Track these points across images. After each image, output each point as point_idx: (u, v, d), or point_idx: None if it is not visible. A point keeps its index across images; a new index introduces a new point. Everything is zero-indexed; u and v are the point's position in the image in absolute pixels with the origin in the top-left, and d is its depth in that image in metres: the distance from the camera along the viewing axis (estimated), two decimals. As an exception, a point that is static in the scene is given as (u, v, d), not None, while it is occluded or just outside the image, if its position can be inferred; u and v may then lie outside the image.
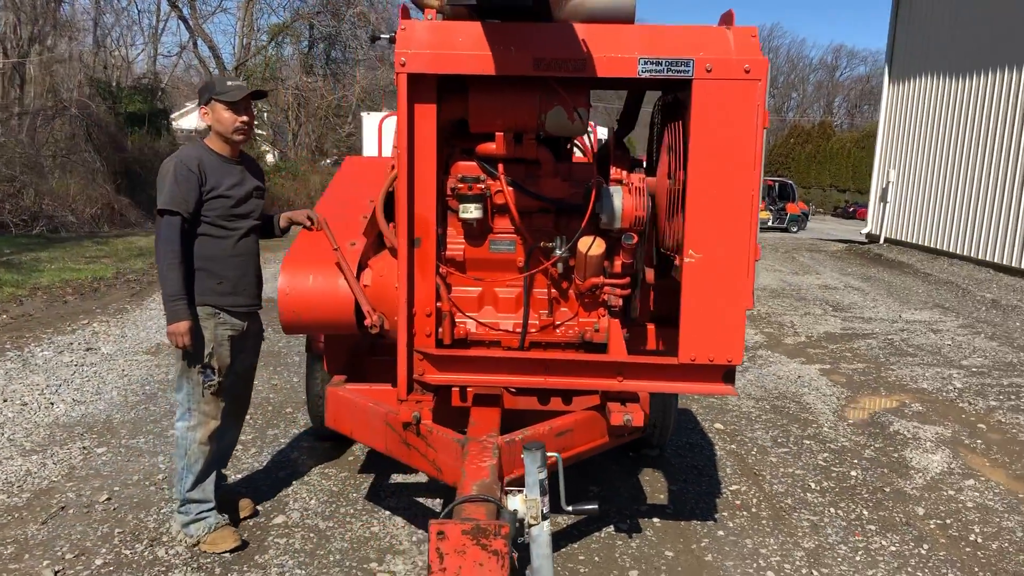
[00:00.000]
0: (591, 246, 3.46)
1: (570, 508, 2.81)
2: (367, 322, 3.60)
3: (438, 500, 4.45)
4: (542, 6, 3.59)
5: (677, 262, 3.46)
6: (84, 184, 19.55)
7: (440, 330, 3.57)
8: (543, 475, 2.72)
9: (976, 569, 3.96)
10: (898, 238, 18.46)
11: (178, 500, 3.85)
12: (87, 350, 7.39)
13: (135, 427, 5.44)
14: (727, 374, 3.48)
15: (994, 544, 4.23)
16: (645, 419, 3.47)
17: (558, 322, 3.69)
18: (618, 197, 3.44)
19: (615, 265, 3.58)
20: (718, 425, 5.88)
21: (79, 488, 4.47)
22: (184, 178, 3.61)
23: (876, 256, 17.49)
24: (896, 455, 5.42)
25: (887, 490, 4.85)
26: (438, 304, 3.52)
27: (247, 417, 5.27)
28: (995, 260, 14.56)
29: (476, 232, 3.64)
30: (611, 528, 4.18)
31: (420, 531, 4.08)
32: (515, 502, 2.70)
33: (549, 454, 2.76)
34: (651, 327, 3.96)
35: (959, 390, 7.05)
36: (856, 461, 5.28)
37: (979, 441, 5.76)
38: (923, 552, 4.10)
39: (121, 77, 29.28)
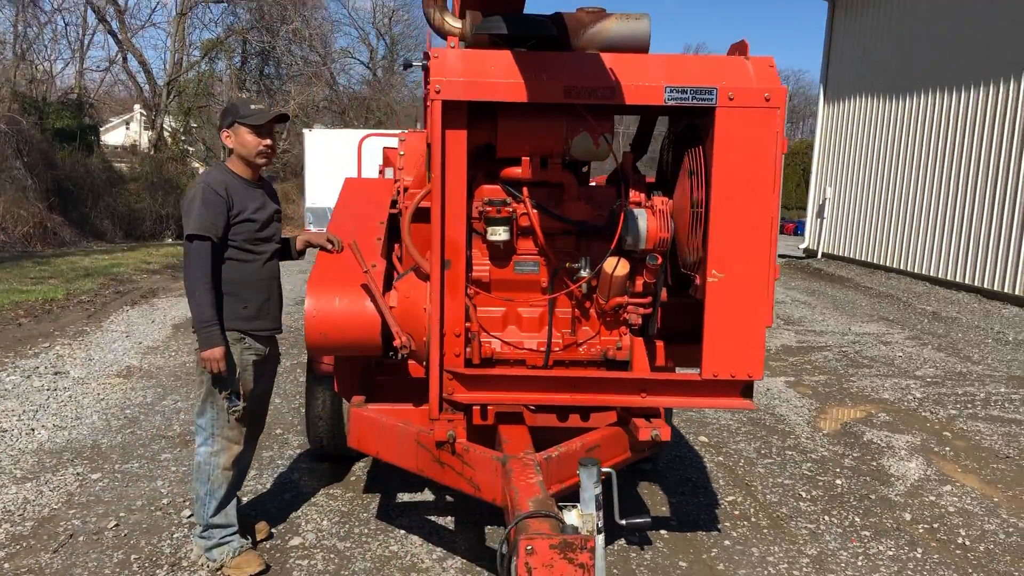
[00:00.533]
0: (616, 267, 3.58)
1: (624, 522, 2.90)
2: (396, 343, 3.65)
3: (449, 518, 4.50)
4: (563, 36, 3.73)
5: (697, 281, 3.60)
6: (14, 202, 19.02)
7: (468, 350, 3.64)
8: (598, 490, 2.82)
9: (970, 570, 4.17)
10: (835, 253, 19.07)
11: (200, 525, 3.83)
12: (56, 374, 7.23)
13: (125, 452, 5.36)
14: (745, 389, 3.63)
15: (981, 546, 4.45)
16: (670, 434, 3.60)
17: (581, 341, 3.79)
18: (643, 219, 3.57)
19: (636, 284, 3.71)
20: (702, 438, 6.05)
21: (83, 515, 4.41)
22: (212, 202, 3.63)
23: (816, 271, 18.04)
24: (875, 463, 5.65)
25: (873, 497, 5.06)
26: (466, 324, 3.59)
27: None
28: (930, 273, 15.16)
29: (501, 254, 3.72)
30: (622, 541, 4.28)
31: (439, 549, 4.13)
32: (571, 517, 2.78)
33: (603, 469, 2.85)
34: (659, 343, 4.09)
35: (919, 400, 7.36)
36: (839, 470, 5.49)
37: (947, 448, 6.04)
38: (918, 556, 4.30)
39: (47, 92, 28.51)
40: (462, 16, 3.85)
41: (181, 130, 31.67)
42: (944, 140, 15.02)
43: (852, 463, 5.65)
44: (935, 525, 4.70)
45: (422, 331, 3.70)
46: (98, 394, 6.65)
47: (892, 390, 7.69)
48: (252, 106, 3.78)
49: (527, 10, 4.05)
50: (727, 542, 4.35)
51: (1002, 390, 7.83)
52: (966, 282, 14.13)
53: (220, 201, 3.65)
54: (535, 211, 3.66)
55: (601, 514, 2.83)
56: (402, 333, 3.67)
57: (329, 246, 3.98)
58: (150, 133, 32.19)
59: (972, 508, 4.96)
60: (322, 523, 4.39)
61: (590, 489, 2.81)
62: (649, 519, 2.98)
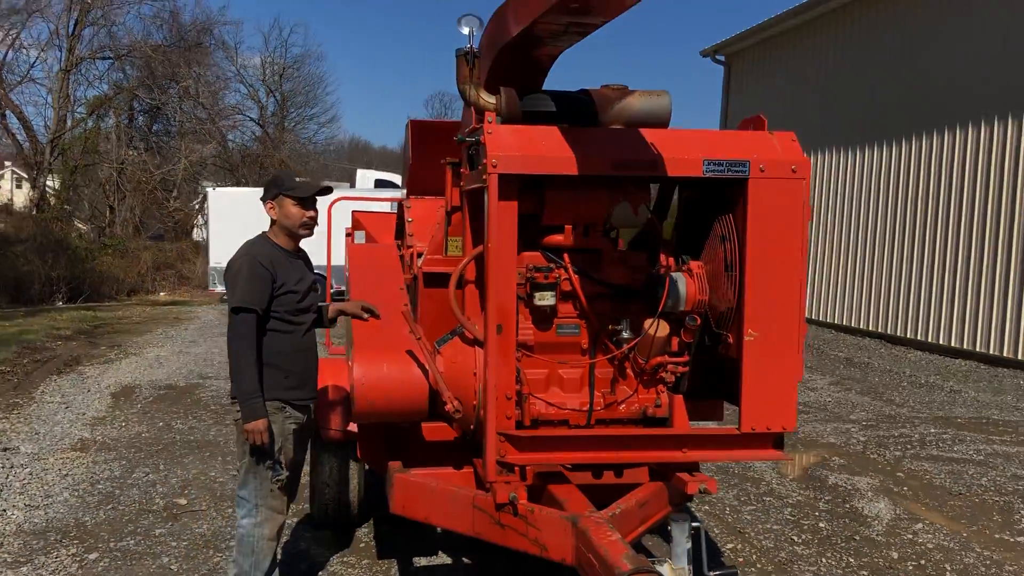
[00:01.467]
0: (658, 328, 3.77)
1: (712, 574, 3.05)
2: (448, 408, 3.73)
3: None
4: (593, 112, 3.97)
5: (730, 340, 3.83)
6: None
7: (518, 412, 3.75)
8: (689, 544, 2.97)
9: (967, 602, 4.48)
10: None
11: (244, 599, 3.78)
12: (4, 450, 6.89)
13: (114, 530, 5.19)
14: (777, 440, 3.86)
15: (968, 578, 4.79)
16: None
17: (620, 400, 3.95)
18: (682, 283, 3.78)
19: (672, 344, 3.90)
20: (682, 488, 6.26)
21: (98, 597, 4.26)
22: (259, 275, 3.66)
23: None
24: (847, 506, 5.97)
25: (857, 538, 5.36)
26: (517, 387, 3.71)
27: (232, 512, 5.22)
28: (836, 321, 16.00)
29: (544, 317, 3.86)
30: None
31: (475, 611, 4.17)
32: (665, 570, 2.92)
33: (693, 524, 3.01)
34: (678, 398, 4.28)
35: (863, 443, 7.79)
36: (817, 514, 5.79)
37: (905, 488, 6.43)
38: (917, 591, 4.60)
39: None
40: (492, 91, 4.05)
41: (65, 190, 30.52)
42: (840, 194, 16.00)
43: (827, 506, 5.95)
44: (922, 562, 5.01)
45: (471, 395, 3.80)
46: (60, 470, 6.39)
47: (835, 434, 8.11)
48: (297, 178, 3.85)
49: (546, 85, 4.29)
50: (743, 588, 4.55)
51: (932, 431, 8.37)
52: (870, 328, 14.99)
53: (266, 274, 3.69)
54: (576, 276, 3.83)
55: (691, 568, 2.98)
56: (453, 398, 3.76)
57: (364, 315, 4.04)
58: (31, 192, 30.92)
59: (948, 544, 5.31)
60: (350, 592, 4.37)
61: (682, 543, 2.97)
62: (735, 570, 3.14)
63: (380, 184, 26.34)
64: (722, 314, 3.84)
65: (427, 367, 3.80)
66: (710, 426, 3.83)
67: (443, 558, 4.82)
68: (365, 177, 27.43)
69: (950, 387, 10.71)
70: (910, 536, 5.43)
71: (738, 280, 3.72)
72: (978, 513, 5.91)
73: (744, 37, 18.53)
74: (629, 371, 3.96)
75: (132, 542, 4.99)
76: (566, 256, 3.85)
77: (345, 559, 4.80)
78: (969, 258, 12.77)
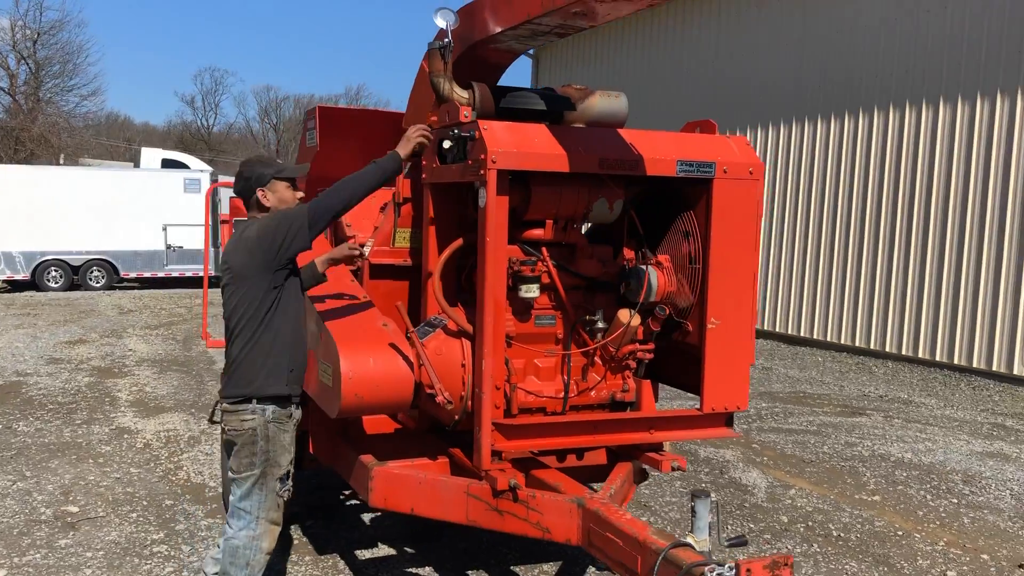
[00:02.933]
0: (632, 318, 4.00)
1: (727, 543, 3.31)
2: (439, 400, 3.77)
3: (428, 568, 4.59)
4: (561, 112, 4.14)
5: (690, 327, 4.12)
6: None
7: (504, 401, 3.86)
8: (712, 518, 3.22)
9: (860, 556, 5.06)
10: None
11: (232, 610, 3.64)
12: None
13: (9, 543, 4.77)
14: (728, 419, 4.22)
15: (852, 535, 5.40)
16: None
17: (591, 386, 4.14)
18: (654, 276, 4.03)
19: (639, 332, 4.15)
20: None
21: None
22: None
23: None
24: (726, 476, 6.51)
25: (747, 505, 5.87)
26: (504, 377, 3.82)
27: (137, 516, 5.00)
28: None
29: (522, 309, 3.98)
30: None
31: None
32: (692, 543, 3.16)
33: (713, 498, 3.26)
34: (646, 383, 4.48)
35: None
36: (704, 485, 6.27)
37: (765, 458, 7.08)
38: (817, 550, 5.14)
39: None
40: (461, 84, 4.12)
41: None
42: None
43: (709, 477, 6.46)
44: (809, 523, 5.59)
45: (459, 387, 3.86)
46: None
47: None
48: (277, 161, 3.75)
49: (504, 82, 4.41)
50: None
51: (763, 404, 9.21)
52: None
53: None
54: (555, 269, 3.99)
55: (711, 539, 3.23)
56: (444, 390, 3.81)
57: (357, 256, 3.94)
58: None
59: (822, 506, 5.94)
60: (309, 589, 4.31)
61: (705, 518, 3.21)
62: (745, 536, 3.42)
63: (168, 164, 24.97)
64: (683, 304, 4.12)
65: (416, 360, 3.82)
66: (688, 409, 4.11)
67: (385, 549, 4.83)
68: (152, 157, 25.85)
69: (761, 364, 11.76)
70: (789, 501, 6.02)
71: (701, 272, 4.02)
72: (833, 477, 6.63)
73: (553, 32, 19.19)
74: (598, 359, 4.16)
75: (38, 556, 4.61)
76: (544, 250, 3.99)
77: (289, 559, 4.69)
78: (770, 245, 13.99)
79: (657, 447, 4.17)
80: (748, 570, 2.67)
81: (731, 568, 2.82)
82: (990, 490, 6.41)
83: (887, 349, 11.73)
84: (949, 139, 11.04)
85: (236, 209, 6.79)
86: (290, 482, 3.66)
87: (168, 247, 20.30)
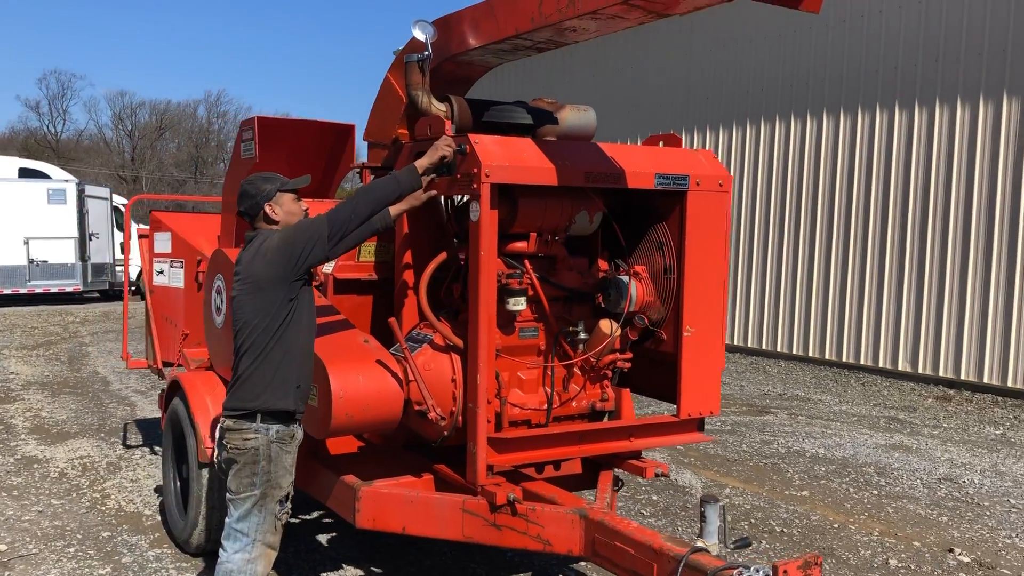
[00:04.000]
0: (613, 328, 4.07)
1: (731, 545, 3.41)
2: (431, 416, 3.73)
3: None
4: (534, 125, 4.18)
5: (663, 336, 4.22)
6: None
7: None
8: (720, 522, 3.32)
9: (806, 550, 5.29)
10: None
11: (225, 639, 3.48)
12: None
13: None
14: (699, 424, 4.34)
15: (794, 531, 5.64)
16: (657, 472, 4.18)
17: (571, 396, 4.18)
18: (633, 286, 4.10)
19: (616, 342, 4.22)
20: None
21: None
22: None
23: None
24: (663, 479, 6.66)
25: (690, 506, 6.04)
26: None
27: (75, 551, 4.78)
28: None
29: (508, 321, 3.99)
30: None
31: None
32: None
33: (721, 503, 3.35)
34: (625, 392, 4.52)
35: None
36: (646, 488, 6.41)
37: (692, 459, 7.30)
38: (764, 546, 5.34)
39: None
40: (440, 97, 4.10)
41: None
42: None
43: (647, 481, 6.60)
44: (752, 520, 5.80)
45: (449, 402, 3.83)
46: None
47: (602, 417, 8.90)
48: (278, 176, 3.65)
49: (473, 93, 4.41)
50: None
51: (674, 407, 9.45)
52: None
53: None
54: (538, 281, 4.01)
55: (719, 543, 3.32)
56: (436, 406, 3.77)
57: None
58: None
59: (758, 503, 6.17)
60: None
61: (714, 522, 3.30)
62: (748, 538, 3.52)
63: (27, 174, 23.51)
64: (657, 312, 4.22)
65: (407, 377, 3.77)
66: (664, 416, 4.20)
67: (352, 570, 4.72)
68: (7, 166, 24.26)
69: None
70: (726, 500, 6.23)
71: (676, 282, 4.13)
72: (760, 475, 6.90)
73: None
74: (577, 369, 4.20)
75: (-19, 597, 4.30)
76: (527, 262, 4.00)
77: None
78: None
79: (637, 455, 4.25)
80: (785, 572, 2.76)
81: (759, 570, 2.91)
82: (903, 480, 6.82)
83: (779, 349, 12.29)
84: (833, 146, 11.68)
85: (156, 222, 6.53)
86: (289, 504, 3.54)
87: (31, 262, 19.16)
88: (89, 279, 20.21)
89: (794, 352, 12.08)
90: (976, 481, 6.79)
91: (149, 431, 7.80)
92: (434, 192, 3.87)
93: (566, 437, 3.98)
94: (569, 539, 3.59)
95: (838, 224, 11.60)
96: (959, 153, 10.29)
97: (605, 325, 4.08)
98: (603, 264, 4.30)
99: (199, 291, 6.04)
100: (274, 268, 3.41)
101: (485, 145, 3.66)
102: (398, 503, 3.82)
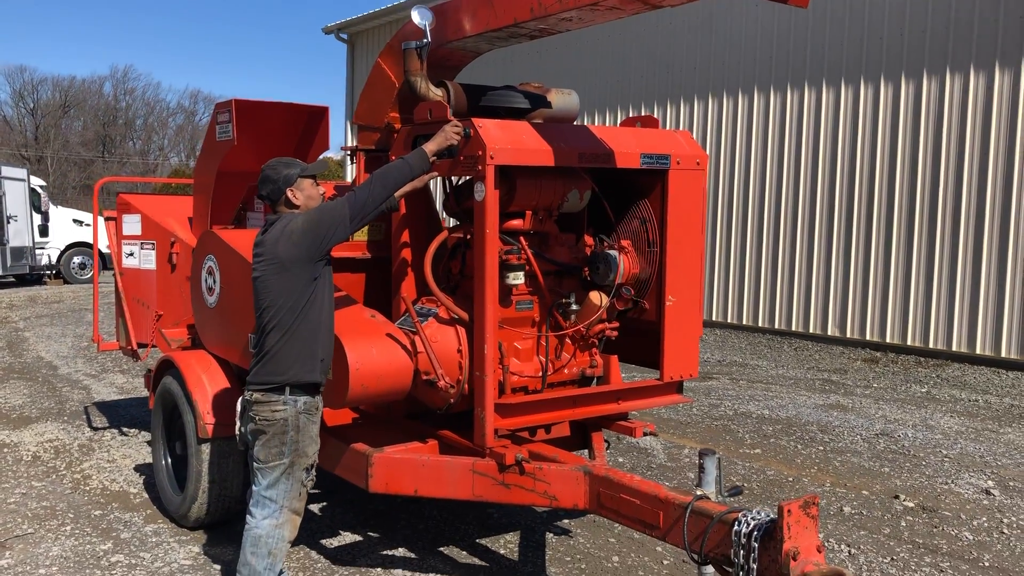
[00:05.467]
0: (602, 299, 4.35)
1: (726, 493, 3.74)
2: (440, 384, 3.96)
3: (402, 550, 4.75)
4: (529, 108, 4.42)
5: (646, 305, 4.53)
6: None
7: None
8: (717, 473, 3.64)
9: (760, 504, 5.70)
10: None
11: (251, 602, 3.67)
12: None
13: (-53, 569, 4.48)
14: (679, 387, 4.68)
15: (754, 485, 6.05)
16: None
17: (563, 364, 4.45)
18: (620, 260, 4.39)
19: (604, 312, 4.50)
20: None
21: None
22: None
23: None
24: (625, 442, 7.02)
25: (655, 467, 6.41)
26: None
27: (72, 530, 4.87)
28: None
29: (505, 295, 4.23)
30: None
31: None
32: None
33: (717, 455, 3.67)
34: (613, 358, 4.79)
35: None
36: (610, 452, 6.73)
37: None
38: (731, 501, 5.72)
39: None
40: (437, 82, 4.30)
41: None
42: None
43: (613, 444, 6.95)
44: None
45: (455, 372, 4.07)
46: None
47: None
48: (298, 161, 3.81)
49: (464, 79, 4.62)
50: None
51: (623, 375, 9.84)
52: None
53: None
54: (533, 257, 4.26)
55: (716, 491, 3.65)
56: (445, 375, 4.00)
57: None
58: None
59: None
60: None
61: (712, 473, 3.63)
62: (741, 487, 3.86)
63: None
64: (641, 283, 4.51)
65: (417, 349, 3.99)
66: (648, 380, 4.51)
67: (350, 536, 4.93)
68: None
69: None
70: (687, 460, 6.62)
71: (659, 255, 4.43)
72: (714, 435, 7.32)
73: (369, 19, 19.14)
74: (568, 339, 4.48)
75: (-13, 578, 4.37)
76: (522, 239, 4.25)
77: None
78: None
79: (624, 416, 4.57)
80: (789, 510, 3.09)
81: (760, 512, 3.25)
82: (844, 437, 7.31)
83: (714, 318, 12.80)
84: (764, 119, 12.19)
85: (125, 204, 6.55)
86: (314, 472, 3.74)
87: (-61, 248, 18.55)
88: (8, 263, 19.63)
89: (729, 321, 12.61)
90: (910, 435, 7.33)
91: (112, 413, 7.81)
92: (435, 174, 4.08)
93: (561, 401, 4.27)
94: (574, 494, 3.87)
95: (769, 198, 12.12)
96: (883, 128, 10.89)
97: (595, 297, 4.36)
98: (589, 240, 4.57)
99: (173, 272, 6.13)
100: (299, 249, 3.58)
101: (488, 129, 3.88)
102: (411, 467, 4.04)
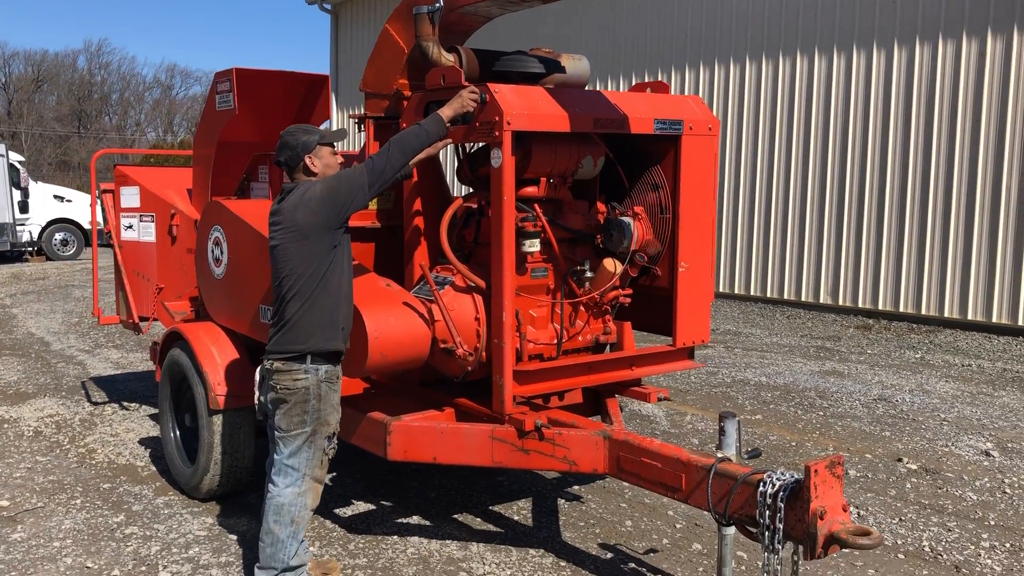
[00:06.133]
0: (616, 266, 4.35)
1: (746, 456, 3.76)
2: (459, 352, 3.96)
3: (415, 517, 4.77)
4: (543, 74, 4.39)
5: (658, 272, 4.54)
6: None
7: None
8: (736, 436, 3.67)
9: (767, 467, 5.75)
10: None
11: (274, 569, 3.67)
12: None
13: (-40, 543, 4.44)
14: (691, 353, 4.70)
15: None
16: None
17: (577, 331, 4.46)
18: (634, 226, 4.38)
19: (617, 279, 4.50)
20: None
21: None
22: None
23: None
24: (627, 409, 7.05)
25: (659, 433, 6.45)
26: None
27: (82, 503, 4.87)
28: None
29: (519, 263, 4.21)
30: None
31: (435, 541, 4.45)
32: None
33: (737, 418, 3.70)
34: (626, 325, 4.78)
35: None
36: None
37: (648, 391, 7.70)
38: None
39: None
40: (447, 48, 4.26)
41: None
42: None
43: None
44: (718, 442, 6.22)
45: (473, 339, 4.06)
46: None
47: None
48: (317, 128, 3.78)
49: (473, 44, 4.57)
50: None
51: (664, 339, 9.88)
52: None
53: None
54: (547, 224, 4.24)
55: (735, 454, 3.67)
56: (463, 343, 3.99)
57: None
58: None
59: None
60: (349, 546, 4.36)
61: (732, 436, 3.65)
62: (760, 451, 3.89)
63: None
64: (654, 250, 4.51)
65: (435, 317, 3.98)
66: (661, 346, 4.53)
67: (362, 505, 4.94)
68: None
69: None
70: (690, 426, 6.66)
71: (672, 221, 4.43)
72: (714, 402, 7.37)
73: (353, -12, 18.95)
74: (582, 306, 4.48)
75: None
76: (537, 206, 4.23)
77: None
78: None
79: (638, 382, 4.59)
80: (816, 471, 3.11)
81: (784, 473, 3.28)
82: (843, 403, 7.38)
83: (706, 288, 12.84)
84: (773, 88, 12.18)
85: (122, 176, 6.48)
86: (335, 440, 3.74)
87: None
88: (-12, 240, 19.39)
89: (721, 290, 12.66)
90: (907, 400, 7.41)
91: (110, 387, 7.76)
92: (449, 140, 4.05)
93: (577, 368, 4.28)
94: (594, 459, 3.89)
95: (761, 168, 12.14)
96: (876, 96, 10.91)
97: (609, 264, 4.36)
98: (601, 207, 4.56)
99: (173, 245, 6.09)
100: (319, 216, 3.55)
101: (504, 94, 3.85)
102: (430, 435, 4.04)
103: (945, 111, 10.31)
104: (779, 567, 3.21)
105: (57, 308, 12.49)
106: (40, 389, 7.73)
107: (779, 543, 3.20)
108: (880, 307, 10.93)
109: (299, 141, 3.68)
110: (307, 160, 3.68)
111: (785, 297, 11.92)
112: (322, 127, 5.83)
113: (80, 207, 20.09)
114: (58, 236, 19.98)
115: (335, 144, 3.79)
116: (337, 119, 20.41)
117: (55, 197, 20.51)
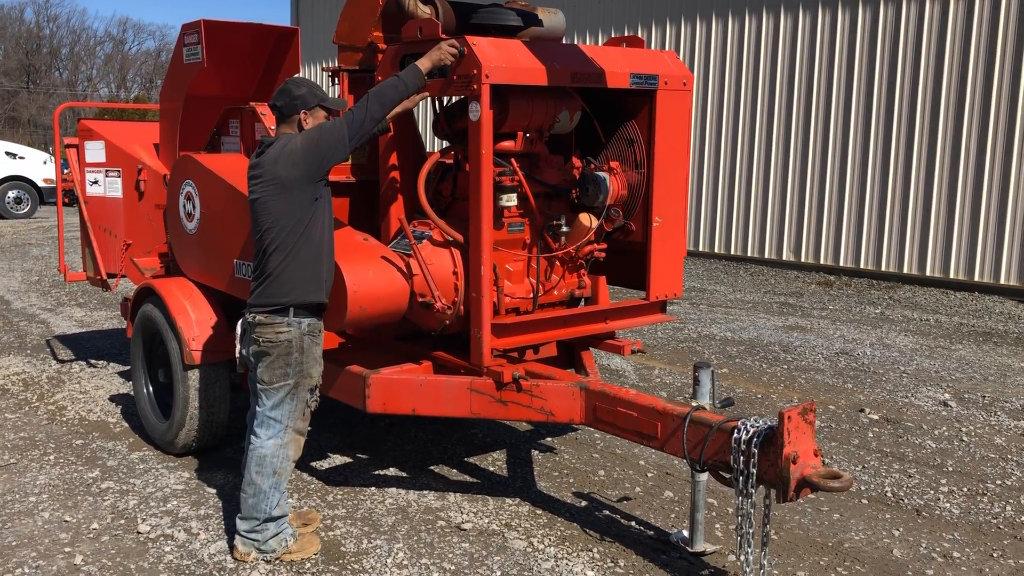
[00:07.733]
0: (592, 221, 4.39)
1: (719, 404, 3.85)
2: (437, 305, 3.98)
3: (392, 469, 4.82)
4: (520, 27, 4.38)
5: (633, 227, 4.59)
6: None
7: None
8: (711, 385, 3.75)
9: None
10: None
11: (254, 520, 3.71)
12: None
13: (-67, 500, 4.42)
14: (663, 307, 4.77)
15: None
16: (630, 349, 4.60)
17: (553, 286, 4.50)
18: (609, 181, 4.42)
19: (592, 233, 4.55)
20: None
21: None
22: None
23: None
24: (599, 364, 7.14)
25: (627, 385, 6.54)
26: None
27: (56, 459, 4.87)
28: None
29: (496, 217, 4.23)
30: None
31: (422, 492, 4.52)
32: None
33: (711, 368, 3.78)
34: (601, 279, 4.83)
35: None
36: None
37: (616, 347, 7.80)
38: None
39: None
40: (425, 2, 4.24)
41: None
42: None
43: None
44: (687, 395, 6.34)
45: (451, 293, 4.09)
46: None
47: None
48: (320, 88, 3.75)
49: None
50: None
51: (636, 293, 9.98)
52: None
53: None
54: (524, 178, 4.27)
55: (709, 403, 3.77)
56: (442, 296, 4.02)
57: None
58: None
59: (687, 381, 6.73)
60: (327, 498, 4.40)
61: (707, 385, 3.73)
62: (732, 399, 3.99)
63: None
64: (629, 205, 4.56)
65: (413, 271, 4.00)
66: (634, 299, 4.60)
67: (340, 458, 4.99)
68: None
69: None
70: (658, 379, 6.78)
71: (646, 176, 4.48)
72: (681, 357, 7.49)
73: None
74: (557, 261, 4.52)
75: (-21, 507, 4.34)
76: (513, 161, 4.25)
77: (247, 477, 4.72)
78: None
79: (612, 335, 4.66)
80: (789, 417, 3.21)
81: (758, 420, 3.37)
82: (806, 356, 7.55)
83: (670, 245, 12.97)
84: (739, 45, 12.22)
85: (87, 130, 6.37)
86: (318, 393, 3.76)
87: None
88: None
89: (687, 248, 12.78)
90: (868, 353, 7.60)
91: (75, 345, 7.69)
92: (426, 94, 4.04)
93: (553, 322, 4.33)
94: (571, 409, 3.96)
95: (725, 127, 12.22)
96: (841, 54, 11.01)
97: (585, 218, 4.40)
98: (576, 161, 4.59)
99: (141, 200, 6.02)
100: (299, 169, 3.54)
101: (483, 47, 3.85)
102: (408, 387, 4.08)
103: (908, 69, 10.43)
104: (751, 511, 3.32)
105: (15, 267, 12.27)
106: (3, 347, 7.64)
107: (752, 487, 3.30)
108: (841, 264, 11.13)
109: (302, 93, 3.65)
110: (302, 115, 3.65)
111: (748, 254, 12.08)
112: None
113: (33, 164, 19.66)
114: (11, 194, 19.52)
115: (329, 114, 3.75)
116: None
117: (7, 154, 19.99)
